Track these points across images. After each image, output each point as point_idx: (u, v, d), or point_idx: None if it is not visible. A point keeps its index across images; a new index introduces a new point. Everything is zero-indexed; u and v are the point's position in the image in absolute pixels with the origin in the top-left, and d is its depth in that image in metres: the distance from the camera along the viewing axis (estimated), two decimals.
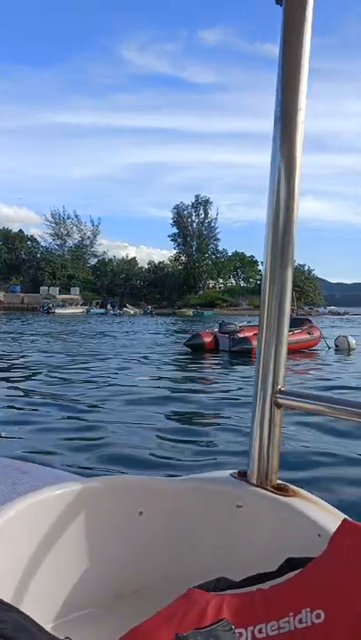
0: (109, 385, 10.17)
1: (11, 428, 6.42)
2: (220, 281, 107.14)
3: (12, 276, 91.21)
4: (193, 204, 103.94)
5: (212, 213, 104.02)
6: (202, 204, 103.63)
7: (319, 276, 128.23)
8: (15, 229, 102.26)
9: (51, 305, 66.66)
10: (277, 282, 1.24)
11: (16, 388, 9.59)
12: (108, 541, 1.27)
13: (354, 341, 19.66)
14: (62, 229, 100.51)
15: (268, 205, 1.24)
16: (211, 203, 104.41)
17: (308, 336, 18.95)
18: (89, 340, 24.08)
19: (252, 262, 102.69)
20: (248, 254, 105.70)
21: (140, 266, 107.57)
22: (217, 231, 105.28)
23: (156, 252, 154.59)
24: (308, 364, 15.14)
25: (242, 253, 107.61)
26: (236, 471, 1.34)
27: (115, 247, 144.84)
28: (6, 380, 10.68)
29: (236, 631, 0.81)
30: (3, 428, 6.39)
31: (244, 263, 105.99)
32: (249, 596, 0.90)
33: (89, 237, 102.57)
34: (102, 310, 75.95)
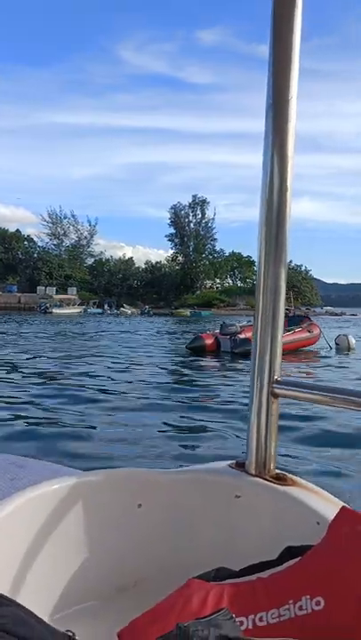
0: (107, 386, 10.17)
1: (7, 424, 6.43)
2: (218, 281, 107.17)
3: (8, 275, 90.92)
4: (190, 204, 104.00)
5: (209, 213, 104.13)
6: (199, 204, 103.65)
7: (315, 277, 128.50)
8: (12, 229, 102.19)
9: (48, 305, 66.50)
10: (272, 274, 1.25)
11: (14, 385, 9.61)
12: (106, 534, 1.27)
13: (354, 341, 19.75)
14: (59, 229, 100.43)
15: (261, 203, 1.25)
16: (208, 203, 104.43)
17: (308, 334, 18.98)
18: (87, 339, 24.07)
19: (250, 263, 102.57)
20: (245, 254, 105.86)
21: (137, 266, 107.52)
22: (214, 231, 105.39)
23: (153, 252, 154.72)
24: (309, 362, 15.18)
25: (239, 254, 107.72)
26: (234, 462, 1.34)
27: (111, 247, 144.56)
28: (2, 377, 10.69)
29: (237, 620, 0.81)
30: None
31: (241, 263, 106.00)
32: (249, 584, 0.90)
33: (86, 237, 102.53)
34: (99, 310, 75.91)
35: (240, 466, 1.31)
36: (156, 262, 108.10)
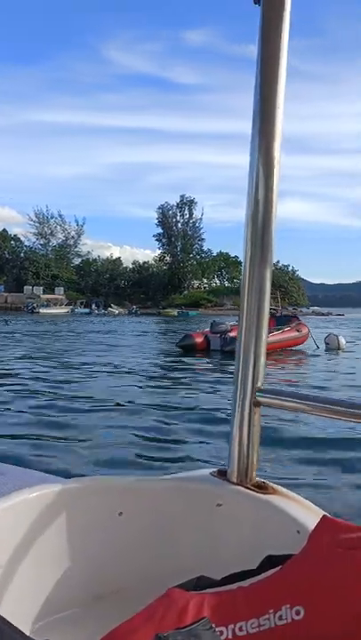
0: (93, 386, 10.12)
1: None
2: (205, 281, 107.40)
3: None
4: (178, 204, 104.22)
5: (196, 214, 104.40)
6: (187, 204, 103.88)
7: (302, 277, 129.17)
8: None
9: (35, 305, 66.27)
10: (256, 281, 1.25)
11: None
12: (87, 542, 1.26)
13: (344, 340, 19.85)
14: (46, 229, 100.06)
15: (248, 204, 1.24)
16: (196, 203, 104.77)
17: (296, 333, 19.10)
18: (74, 339, 23.96)
19: (237, 263, 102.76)
20: (232, 255, 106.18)
21: (124, 266, 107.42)
22: (202, 231, 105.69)
23: (140, 251, 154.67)
24: (299, 362, 15.24)
25: (226, 254, 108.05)
26: (215, 470, 1.33)
27: (98, 247, 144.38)
28: None
29: (217, 629, 0.81)
30: None
31: (228, 263, 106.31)
32: (229, 593, 0.89)
33: (73, 237, 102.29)
34: (87, 310, 75.75)
35: (222, 474, 1.31)
36: (144, 262, 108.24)
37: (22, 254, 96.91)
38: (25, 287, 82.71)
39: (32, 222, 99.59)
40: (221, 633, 0.82)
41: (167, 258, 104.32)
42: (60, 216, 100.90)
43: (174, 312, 72.63)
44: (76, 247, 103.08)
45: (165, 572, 1.14)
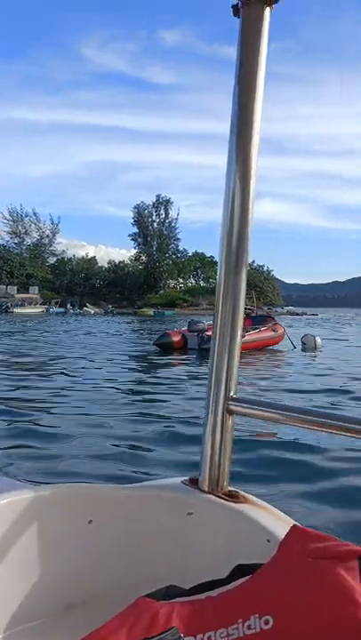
0: (66, 387, 10.00)
1: None
2: (181, 281, 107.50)
3: None
4: (154, 203, 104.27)
5: (172, 213, 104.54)
6: (163, 203, 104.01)
7: (277, 277, 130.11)
8: None
9: (9, 304, 65.54)
10: (231, 290, 1.25)
11: None
12: (57, 551, 1.24)
13: (320, 340, 20.10)
14: (20, 227, 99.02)
15: (224, 204, 1.24)
16: (172, 203, 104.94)
17: (272, 333, 19.27)
18: (49, 339, 23.73)
19: (212, 263, 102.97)
20: (208, 255, 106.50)
21: (99, 265, 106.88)
22: (177, 231, 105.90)
23: (115, 251, 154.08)
24: (276, 362, 15.34)
25: (202, 254, 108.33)
26: (187, 478, 1.33)
27: (73, 246, 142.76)
28: None
29: (185, 639, 0.81)
30: None
31: (204, 263, 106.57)
32: (199, 603, 0.89)
33: (48, 236, 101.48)
34: (62, 310, 75.18)
35: (193, 482, 1.30)
36: (120, 262, 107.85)
37: None
38: None
39: (6, 221, 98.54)
40: None
41: (143, 257, 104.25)
42: (35, 214, 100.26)
43: (150, 312, 72.57)
44: (50, 246, 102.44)
45: (136, 580, 1.13)
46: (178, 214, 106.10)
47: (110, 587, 1.24)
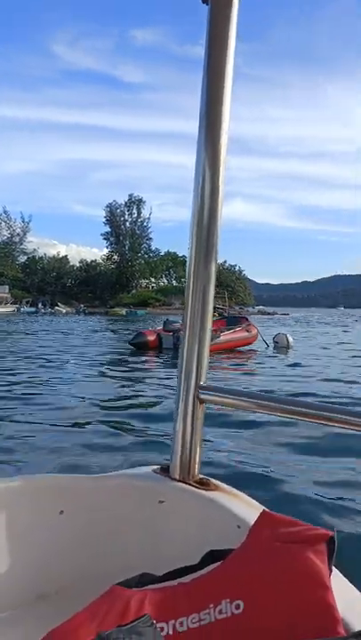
0: (40, 385, 9.91)
1: None
2: (153, 280, 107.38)
3: None
4: (126, 202, 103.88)
5: (144, 213, 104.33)
6: (135, 202, 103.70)
7: (248, 277, 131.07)
8: None
9: None
10: (200, 281, 1.27)
11: None
12: (28, 541, 1.24)
13: (292, 339, 20.37)
14: None
15: (193, 204, 1.26)
16: (144, 202, 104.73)
17: (246, 334, 19.41)
18: (19, 338, 23.43)
19: (184, 262, 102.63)
20: (180, 254, 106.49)
21: (71, 264, 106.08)
22: (150, 231, 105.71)
23: (87, 250, 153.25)
24: (250, 360, 15.42)
25: (174, 253, 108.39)
26: (158, 467, 1.34)
27: (44, 245, 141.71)
28: None
29: (158, 625, 0.81)
30: None
31: (176, 263, 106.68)
32: (171, 589, 0.90)
33: (18, 234, 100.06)
34: (33, 309, 74.44)
35: (164, 471, 1.32)
36: (92, 261, 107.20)
37: None
38: None
39: None
40: (162, 629, 0.82)
41: (115, 257, 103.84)
42: (5, 212, 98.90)
43: (123, 311, 72.25)
44: (21, 244, 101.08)
45: (109, 569, 1.14)
46: (150, 213, 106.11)
47: (83, 576, 1.24)
